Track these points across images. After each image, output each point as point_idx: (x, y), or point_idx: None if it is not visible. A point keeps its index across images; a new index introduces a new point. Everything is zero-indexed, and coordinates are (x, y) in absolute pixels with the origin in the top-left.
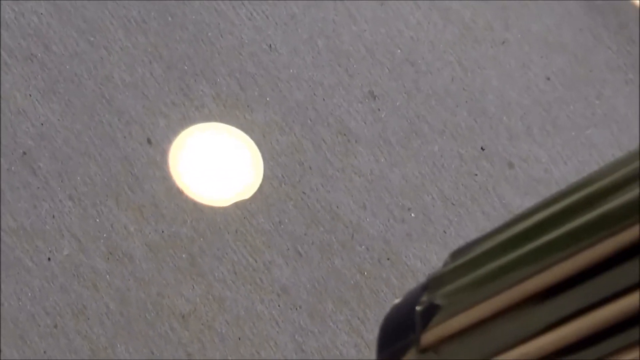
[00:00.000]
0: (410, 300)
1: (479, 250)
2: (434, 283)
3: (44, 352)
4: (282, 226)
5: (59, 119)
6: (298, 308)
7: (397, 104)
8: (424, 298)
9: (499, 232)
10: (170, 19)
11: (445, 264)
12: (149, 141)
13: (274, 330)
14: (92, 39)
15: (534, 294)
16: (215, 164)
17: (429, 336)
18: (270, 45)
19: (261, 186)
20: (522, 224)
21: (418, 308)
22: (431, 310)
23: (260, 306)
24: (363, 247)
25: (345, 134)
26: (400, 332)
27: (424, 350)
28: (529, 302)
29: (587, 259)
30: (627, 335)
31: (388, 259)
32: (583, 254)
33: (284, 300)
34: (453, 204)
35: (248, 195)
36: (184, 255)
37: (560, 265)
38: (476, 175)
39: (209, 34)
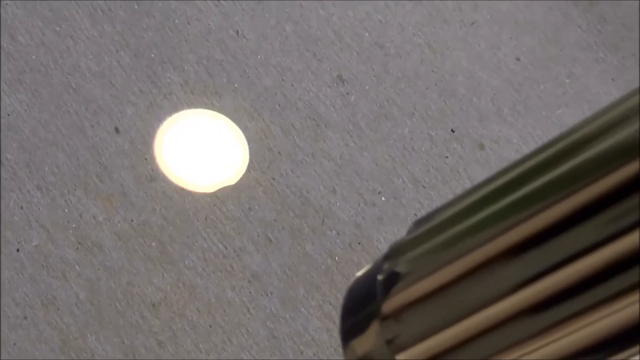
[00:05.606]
0: (373, 270)
1: (443, 216)
2: (395, 251)
3: (14, 343)
4: (252, 212)
5: (26, 109)
6: (269, 294)
7: (366, 87)
8: (386, 267)
9: (464, 197)
10: (136, 6)
11: (408, 232)
12: (116, 130)
13: (246, 317)
14: (58, 28)
15: (499, 254)
16: (184, 152)
17: (390, 304)
18: (238, 31)
19: (230, 172)
20: (487, 187)
21: (379, 277)
22: (392, 278)
23: (231, 293)
24: (334, 231)
25: (314, 119)
26: (362, 303)
27: (385, 319)
28: (494, 262)
29: (553, 214)
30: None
31: (359, 244)
32: (549, 210)
33: (255, 286)
34: (424, 187)
35: (231, 182)
36: (153, 244)
37: (528, 222)
38: (447, 157)
39: (176, 21)
